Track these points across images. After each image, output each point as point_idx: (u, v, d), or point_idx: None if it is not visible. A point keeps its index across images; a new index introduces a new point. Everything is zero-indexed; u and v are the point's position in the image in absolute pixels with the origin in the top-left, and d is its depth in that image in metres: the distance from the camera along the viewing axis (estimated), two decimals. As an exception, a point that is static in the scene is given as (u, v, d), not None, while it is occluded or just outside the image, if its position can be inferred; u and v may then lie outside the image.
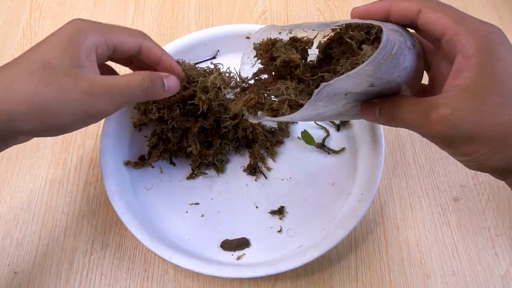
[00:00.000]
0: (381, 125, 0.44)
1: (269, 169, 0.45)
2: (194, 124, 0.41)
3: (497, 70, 0.24)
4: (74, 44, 0.30)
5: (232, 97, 0.37)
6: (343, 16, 0.60)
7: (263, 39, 0.33)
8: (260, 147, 0.45)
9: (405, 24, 0.29)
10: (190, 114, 0.41)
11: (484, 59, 0.25)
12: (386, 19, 0.29)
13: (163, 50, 0.36)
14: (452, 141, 0.26)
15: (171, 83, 0.34)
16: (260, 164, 0.45)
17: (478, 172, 0.47)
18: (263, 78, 0.35)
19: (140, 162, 0.44)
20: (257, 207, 0.43)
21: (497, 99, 0.24)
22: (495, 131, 0.24)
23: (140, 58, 0.36)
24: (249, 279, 0.41)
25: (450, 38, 0.26)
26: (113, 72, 0.39)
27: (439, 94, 0.26)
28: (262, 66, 0.34)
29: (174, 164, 0.45)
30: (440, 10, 0.27)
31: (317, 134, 0.47)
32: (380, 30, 0.27)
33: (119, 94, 0.30)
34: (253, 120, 0.33)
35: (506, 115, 0.24)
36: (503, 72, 0.24)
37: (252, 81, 0.35)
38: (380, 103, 0.29)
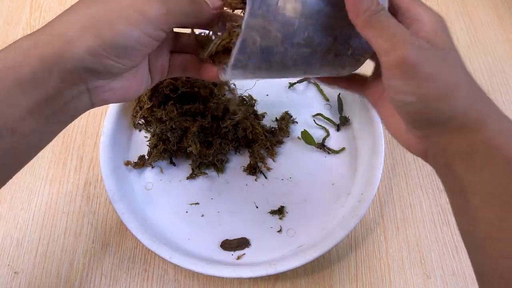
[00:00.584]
0: (381, 125, 0.44)
1: (269, 169, 0.45)
2: (192, 124, 0.41)
3: (447, 40, 0.28)
4: None
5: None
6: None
7: None
8: (260, 147, 0.45)
9: None
10: (189, 114, 0.41)
11: (436, 29, 0.28)
12: None
13: None
14: (412, 71, 0.26)
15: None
16: (260, 164, 0.45)
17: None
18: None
19: (140, 162, 0.44)
20: (257, 207, 0.43)
21: (452, 62, 0.27)
22: (447, 80, 0.26)
23: None
24: (249, 279, 0.41)
25: (408, 8, 0.29)
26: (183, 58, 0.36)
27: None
28: None
29: (174, 164, 0.45)
30: None
31: (317, 134, 0.47)
32: None
33: (172, 1, 0.28)
34: (224, 78, 0.30)
35: (456, 74, 0.27)
36: (453, 48, 0.28)
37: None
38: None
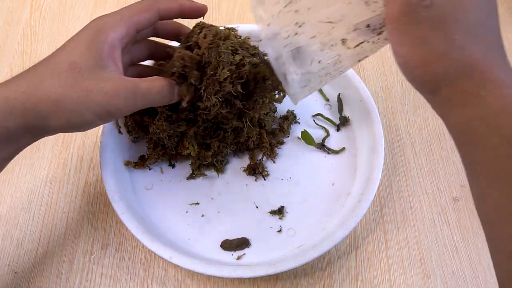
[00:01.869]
0: (381, 125, 0.44)
1: (267, 174, 0.45)
2: (189, 128, 0.41)
3: None
4: (96, 45, 0.31)
5: None
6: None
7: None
8: (261, 152, 0.45)
9: None
10: (181, 120, 0.40)
11: None
12: None
13: (178, 1, 0.36)
14: (404, 32, 0.25)
15: (178, 90, 0.36)
16: (259, 168, 0.45)
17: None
18: None
19: (140, 162, 0.44)
20: (257, 207, 0.43)
21: (454, 19, 0.25)
22: (438, 42, 0.25)
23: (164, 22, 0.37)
24: (249, 279, 0.41)
25: None
26: (139, 69, 0.40)
27: None
28: None
29: (173, 166, 0.45)
30: None
31: (317, 134, 0.47)
32: None
33: (140, 97, 0.32)
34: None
35: (456, 34, 0.25)
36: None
37: None
38: None
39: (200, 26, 0.37)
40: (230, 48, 0.36)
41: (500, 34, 0.27)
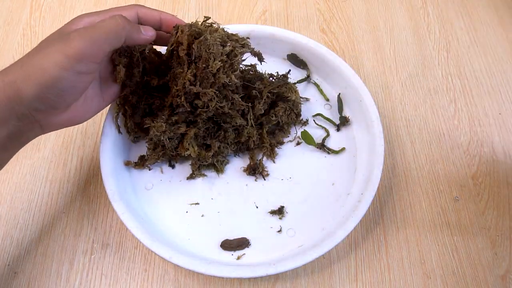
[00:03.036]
0: (381, 125, 0.44)
1: (267, 175, 0.45)
2: (189, 129, 0.41)
3: None
4: (69, 23, 0.33)
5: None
6: (343, 17, 0.60)
7: None
8: (260, 151, 0.45)
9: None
10: (180, 122, 0.41)
11: None
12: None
13: (160, 11, 0.37)
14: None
15: (148, 28, 0.36)
16: (259, 168, 0.45)
17: (478, 172, 0.47)
18: None
19: (140, 162, 0.44)
20: (257, 207, 0.43)
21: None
22: None
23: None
24: (249, 279, 0.41)
25: None
26: None
27: None
28: None
29: (173, 167, 0.45)
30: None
31: (317, 134, 0.47)
32: None
33: (94, 31, 0.31)
34: None
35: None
36: None
37: None
38: None
39: (176, 28, 0.37)
40: (219, 40, 0.36)
41: None
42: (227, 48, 0.36)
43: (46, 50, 0.31)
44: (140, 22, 0.37)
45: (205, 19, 0.38)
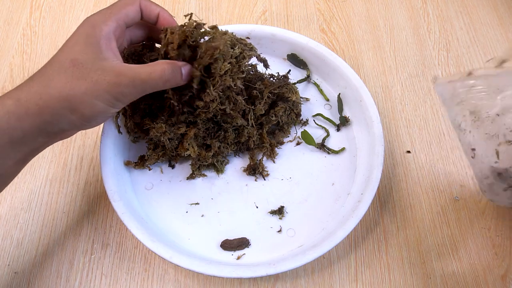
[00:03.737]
0: (381, 125, 0.44)
1: (267, 174, 0.45)
2: (189, 129, 0.41)
3: None
4: (93, 40, 0.33)
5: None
6: (343, 17, 0.60)
7: None
8: (260, 151, 0.45)
9: None
10: (180, 122, 0.41)
11: None
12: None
13: (160, 7, 0.38)
14: None
15: (187, 70, 0.36)
16: (259, 168, 0.45)
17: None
18: None
19: (140, 162, 0.44)
20: (257, 207, 0.43)
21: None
22: None
23: (143, 21, 0.38)
24: (249, 279, 0.41)
25: None
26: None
27: None
28: None
29: (173, 167, 0.45)
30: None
31: (317, 134, 0.47)
32: None
33: (141, 83, 0.33)
34: None
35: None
36: None
37: None
38: None
39: (164, 31, 0.37)
40: (229, 42, 0.36)
41: None
42: (237, 51, 0.36)
43: (91, 85, 0.31)
44: (141, 14, 0.37)
45: (192, 20, 0.37)
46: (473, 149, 0.39)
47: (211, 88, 0.36)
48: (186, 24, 0.36)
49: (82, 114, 0.32)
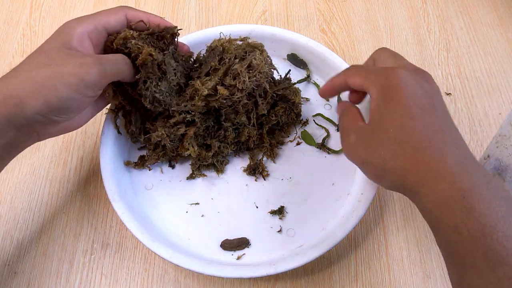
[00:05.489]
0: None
1: (267, 175, 0.45)
2: (189, 129, 0.41)
3: (384, 113, 0.30)
4: (63, 35, 0.34)
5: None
6: (343, 17, 0.60)
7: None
8: (260, 151, 0.45)
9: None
10: (179, 123, 0.41)
11: (378, 103, 0.31)
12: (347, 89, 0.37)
13: (148, 13, 0.38)
14: (353, 161, 0.33)
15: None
16: (259, 168, 0.45)
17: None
18: None
19: (140, 162, 0.44)
20: (257, 207, 0.43)
21: (379, 138, 0.30)
22: (375, 162, 0.30)
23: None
24: (249, 279, 0.41)
25: (367, 92, 0.33)
26: None
27: None
28: None
29: (173, 167, 0.45)
30: (355, 74, 0.34)
31: (317, 134, 0.47)
32: None
33: (108, 63, 0.33)
34: None
35: (383, 152, 0.30)
36: (389, 114, 0.30)
37: None
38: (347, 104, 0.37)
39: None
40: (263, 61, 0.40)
41: (452, 128, 0.31)
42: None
43: (56, 69, 0.31)
44: (129, 24, 0.37)
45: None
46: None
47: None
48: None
49: (45, 100, 0.31)
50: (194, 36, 0.49)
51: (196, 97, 0.39)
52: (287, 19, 0.59)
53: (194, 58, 0.43)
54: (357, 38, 0.57)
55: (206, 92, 0.38)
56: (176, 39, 0.40)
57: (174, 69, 0.39)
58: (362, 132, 0.32)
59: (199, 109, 0.40)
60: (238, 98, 0.39)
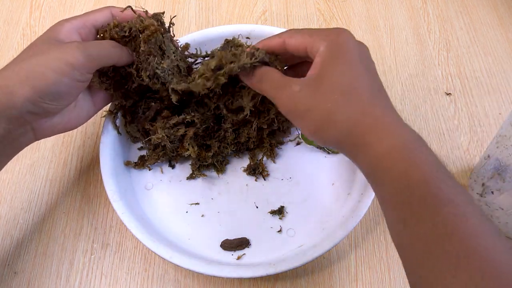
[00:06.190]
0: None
1: (267, 175, 0.45)
2: (188, 130, 0.41)
3: (332, 67, 0.31)
4: (52, 31, 0.35)
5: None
6: (343, 16, 0.60)
7: None
8: (260, 151, 0.45)
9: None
10: (179, 124, 0.41)
11: (326, 57, 0.31)
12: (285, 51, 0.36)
13: (133, 11, 0.39)
14: (293, 113, 0.32)
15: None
16: (259, 168, 0.45)
17: (478, 172, 0.47)
18: None
19: (140, 162, 0.44)
20: (257, 207, 0.43)
21: (327, 89, 0.31)
22: (321, 111, 0.30)
23: None
24: (249, 279, 0.41)
25: (310, 49, 0.33)
26: None
27: None
28: None
29: (173, 167, 0.45)
30: (296, 33, 0.34)
31: (317, 134, 0.47)
32: None
33: (92, 46, 0.34)
34: None
35: (329, 102, 0.30)
36: (338, 68, 0.31)
37: None
38: (259, 67, 0.35)
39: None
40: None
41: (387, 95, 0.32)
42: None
43: (43, 57, 0.32)
44: (115, 19, 0.38)
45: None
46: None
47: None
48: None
49: (34, 86, 0.31)
50: (194, 36, 0.49)
51: (199, 76, 0.36)
52: (287, 19, 0.59)
53: (199, 53, 0.42)
54: (357, 38, 0.57)
55: (214, 63, 0.35)
56: (171, 29, 0.40)
57: (173, 52, 0.39)
58: (306, 83, 0.32)
59: (199, 87, 0.37)
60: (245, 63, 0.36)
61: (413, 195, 0.27)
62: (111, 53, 0.36)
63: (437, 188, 0.26)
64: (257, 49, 0.35)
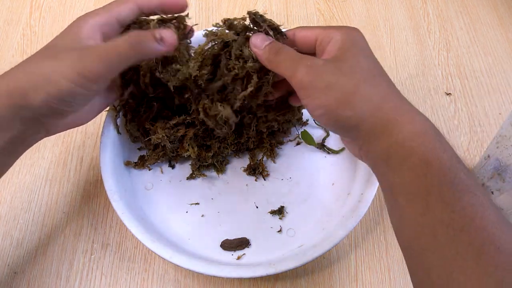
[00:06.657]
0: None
1: (267, 175, 0.45)
2: (188, 130, 0.41)
3: (354, 50, 0.31)
4: (74, 29, 0.33)
5: None
6: (343, 16, 0.60)
7: None
8: (260, 151, 0.45)
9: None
10: (179, 124, 0.41)
11: (345, 43, 0.32)
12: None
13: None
14: (311, 88, 0.31)
15: (165, 33, 0.33)
16: (259, 168, 0.45)
17: (478, 172, 0.47)
18: None
19: (140, 162, 0.44)
20: (257, 207, 0.43)
21: (348, 70, 0.30)
22: (343, 88, 0.30)
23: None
24: (249, 279, 0.41)
25: (321, 40, 0.33)
26: None
27: None
28: None
29: (173, 167, 0.45)
30: (308, 28, 0.35)
31: (317, 134, 0.47)
32: None
33: (107, 53, 0.31)
34: None
35: (353, 81, 0.30)
36: (359, 52, 0.31)
37: None
38: (272, 40, 0.34)
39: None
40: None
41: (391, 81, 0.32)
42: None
43: (57, 62, 0.31)
44: (142, 11, 0.36)
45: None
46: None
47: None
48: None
49: (49, 94, 0.30)
50: (194, 36, 0.49)
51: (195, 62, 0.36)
52: (287, 19, 0.59)
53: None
54: (357, 38, 0.57)
55: (217, 50, 0.36)
56: (191, 35, 0.38)
57: (187, 61, 0.37)
58: (329, 59, 0.31)
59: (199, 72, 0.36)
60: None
61: (433, 183, 0.26)
62: (133, 55, 0.32)
63: (457, 177, 0.26)
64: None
